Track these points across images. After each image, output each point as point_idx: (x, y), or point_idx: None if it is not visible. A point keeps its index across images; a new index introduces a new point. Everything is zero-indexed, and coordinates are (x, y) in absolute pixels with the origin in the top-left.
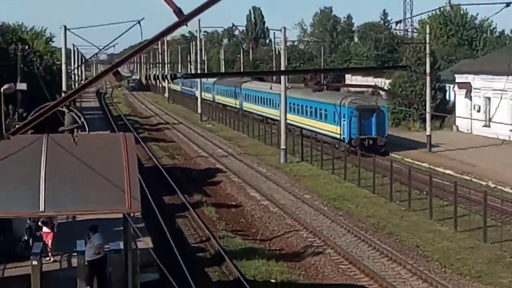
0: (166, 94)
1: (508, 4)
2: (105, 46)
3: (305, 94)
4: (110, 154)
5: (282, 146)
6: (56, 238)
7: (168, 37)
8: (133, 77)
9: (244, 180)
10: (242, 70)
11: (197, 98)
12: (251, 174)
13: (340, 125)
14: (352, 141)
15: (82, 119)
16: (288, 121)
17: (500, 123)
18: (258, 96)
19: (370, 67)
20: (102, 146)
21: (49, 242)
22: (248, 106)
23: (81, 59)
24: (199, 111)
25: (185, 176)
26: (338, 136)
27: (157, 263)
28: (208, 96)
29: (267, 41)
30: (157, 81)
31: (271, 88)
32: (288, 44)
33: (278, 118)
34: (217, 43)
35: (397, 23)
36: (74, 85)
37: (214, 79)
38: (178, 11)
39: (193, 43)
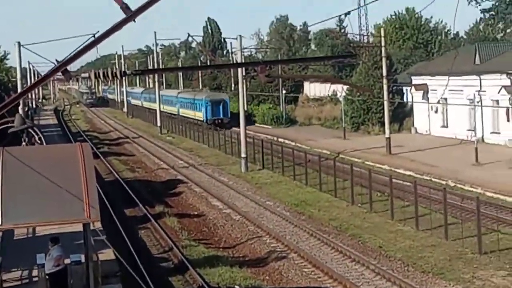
0: (125, 109)
1: None
2: (61, 62)
3: (189, 94)
4: (67, 164)
5: (243, 155)
6: None
7: (125, 52)
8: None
9: (205, 190)
10: (200, 82)
11: (147, 108)
12: (212, 183)
13: (202, 112)
14: (208, 121)
15: (40, 135)
16: (181, 114)
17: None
18: (168, 99)
19: (319, 57)
20: (58, 157)
21: None
22: (164, 108)
23: (37, 76)
24: (158, 124)
25: (146, 188)
26: (201, 119)
27: (119, 273)
28: (138, 102)
29: (225, 51)
30: (107, 78)
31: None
32: (245, 54)
33: (175, 113)
34: (175, 55)
35: (346, 14)
36: (32, 103)
37: (142, 89)
38: (125, 7)
39: (150, 56)
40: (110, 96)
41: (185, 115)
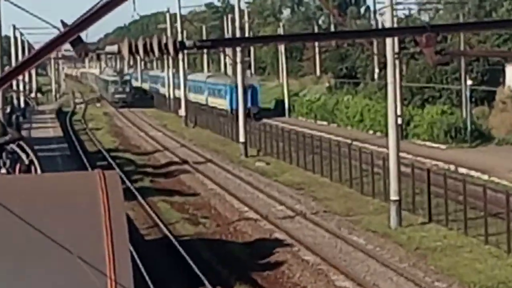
0: (182, 112)
1: None
2: (70, 26)
3: (216, 79)
4: (78, 208)
5: (394, 197)
6: None
7: (184, 9)
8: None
9: (325, 260)
10: (318, 64)
11: (201, 104)
12: (338, 248)
13: (226, 99)
14: (232, 111)
15: (32, 156)
16: (209, 104)
17: None
18: (196, 86)
19: None
20: (64, 195)
21: None
22: (195, 97)
23: (28, 51)
24: (241, 139)
25: (219, 254)
26: (225, 107)
27: None
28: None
29: (362, 9)
30: (151, 55)
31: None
32: (399, 13)
33: (203, 103)
34: (272, 16)
35: None
36: (18, 99)
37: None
38: None
39: (229, 17)
40: (155, 88)
41: (212, 104)
